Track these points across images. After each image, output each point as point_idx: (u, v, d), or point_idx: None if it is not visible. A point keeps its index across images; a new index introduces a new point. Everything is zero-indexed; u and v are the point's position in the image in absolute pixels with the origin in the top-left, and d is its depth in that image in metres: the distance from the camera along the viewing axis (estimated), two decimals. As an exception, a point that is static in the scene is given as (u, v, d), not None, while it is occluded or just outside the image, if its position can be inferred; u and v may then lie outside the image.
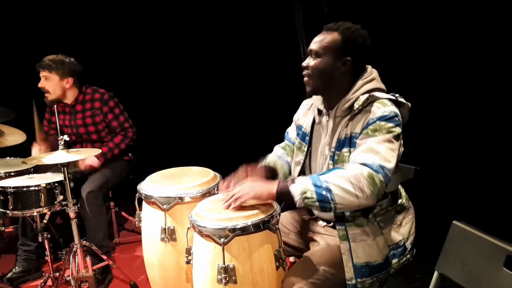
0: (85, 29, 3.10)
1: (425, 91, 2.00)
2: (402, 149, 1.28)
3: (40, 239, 2.03)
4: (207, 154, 2.80)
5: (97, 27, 3.16)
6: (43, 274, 2.14)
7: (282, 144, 1.66)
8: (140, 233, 1.73)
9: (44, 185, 1.93)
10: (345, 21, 1.33)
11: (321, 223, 1.46)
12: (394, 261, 1.32)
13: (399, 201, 1.37)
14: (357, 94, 1.29)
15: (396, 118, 1.23)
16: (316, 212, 1.49)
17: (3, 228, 2.31)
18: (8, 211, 1.92)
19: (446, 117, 2.00)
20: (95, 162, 2.29)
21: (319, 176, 1.20)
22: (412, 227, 1.40)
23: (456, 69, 1.93)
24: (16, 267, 2.22)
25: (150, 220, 1.63)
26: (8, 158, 2.54)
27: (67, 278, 2.05)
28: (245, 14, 2.94)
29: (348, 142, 1.29)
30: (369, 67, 1.36)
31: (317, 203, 1.17)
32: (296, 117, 1.59)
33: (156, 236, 1.58)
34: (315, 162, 1.42)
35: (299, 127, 1.53)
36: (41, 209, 1.93)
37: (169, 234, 1.55)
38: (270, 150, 1.65)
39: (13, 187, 1.91)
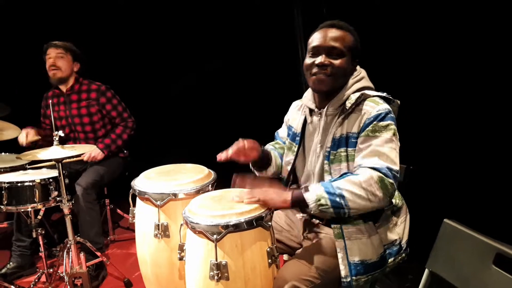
0: (82, 25, 3.09)
1: (418, 90, 2.01)
2: (399, 144, 1.30)
3: (34, 235, 2.03)
4: (202, 152, 2.80)
5: (94, 23, 3.16)
6: (37, 270, 2.14)
7: (272, 142, 1.67)
8: (134, 231, 1.73)
9: (38, 180, 1.93)
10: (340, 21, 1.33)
11: (314, 220, 1.47)
12: (390, 260, 1.33)
13: (394, 201, 1.38)
14: (348, 93, 1.31)
15: (391, 115, 1.27)
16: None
17: (-3, 223, 2.31)
18: (2, 206, 1.91)
19: (436, 116, 2.02)
20: (99, 154, 2.30)
21: (331, 183, 1.22)
22: (406, 226, 1.41)
23: (448, 68, 1.95)
24: (11, 263, 2.22)
25: (143, 216, 1.63)
26: (2, 153, 2.53)
27: (61, 274, 2.05)
28: (245, 15, 2.95)
29: (345, 141, 1.29)
30: (357, 67, 1.38)
31: (331, 209, 1.19)
32: (286, 117, 1.60)
33: (150, 232, 1.57)
34: (307, 161, 1.43)
35: (289, 128, 1.54)
36: (35, 204, 1.93)
37: (163, 231, 1.55)
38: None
39: (7, 182, 1.91)
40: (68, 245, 1.88)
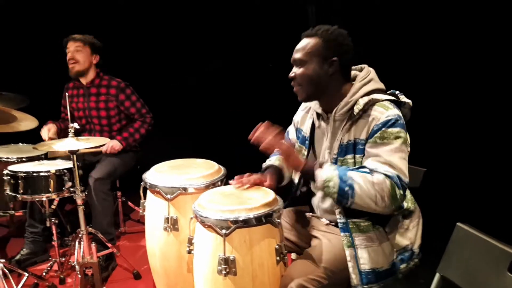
0: (90, 22, 3.13)
1: (431, 92, 1.97)
2: (409, 148, 1.27)
3: (48, 224, 2.09)
4: (213, 147, 2.81)
5: (103, 21, 3.18)
6: (50, 258, 2.19)
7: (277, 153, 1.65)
8: (145, 224, 1.75)
9: (53, 171, 1.98)
10: (322, 25, 1.32)
11: (324, 221, 1.46)
12: (403, 266, 1.31)
13: (405, 205, 1.35)
14: (356, 97, 1.27)
15: (400, 121, 1.23)
16: (319, 213, 1.48)
17: (13, 212, 2.36)
18: (18, 195, 1.97)
19: (451, 119, 1.97)
20: (118, 145, 2.35)
21: (347, 171, 1.21)
22: (419, 231, 1.38)
23: (463, 70, 1.90)
24: (24, 249, 2.28)
25: (153, 210, 1.64)
26: (20, 144, 2.60)
27: (72, 264, 2.10)
28: (252, 12, 2.94)
29: (352, 148, 1.28)
30: (366, 67, 1.35)
31: (335, 195, 1.20)
32: (295, 118, 1.58)
33: (159, 225, 1.59)
34: None
35: (298, 131, 1.53)
36: (50, 194, 1.98)
37: (172, 224, 1.56)
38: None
39: (24, 172, 1.96)
40: (80, 235, 1.92)
